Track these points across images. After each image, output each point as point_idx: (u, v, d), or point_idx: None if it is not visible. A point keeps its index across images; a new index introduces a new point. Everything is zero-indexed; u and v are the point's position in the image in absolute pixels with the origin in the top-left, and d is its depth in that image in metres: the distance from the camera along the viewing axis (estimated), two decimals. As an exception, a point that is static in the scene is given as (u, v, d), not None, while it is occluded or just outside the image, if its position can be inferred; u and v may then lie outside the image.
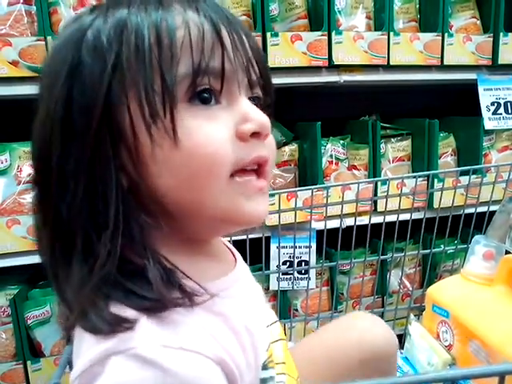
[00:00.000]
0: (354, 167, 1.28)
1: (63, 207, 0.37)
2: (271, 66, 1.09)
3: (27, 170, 1.05)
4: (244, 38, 0.40)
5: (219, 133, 0.38)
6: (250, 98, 0.42)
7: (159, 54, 0.36)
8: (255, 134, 0.39)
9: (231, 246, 0.53)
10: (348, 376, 0.60)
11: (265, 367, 0.43)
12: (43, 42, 0.98)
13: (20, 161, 1.05)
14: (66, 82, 0.37)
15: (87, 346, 0.34)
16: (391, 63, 1.18)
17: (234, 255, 0.51)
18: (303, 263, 1.16)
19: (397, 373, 0.72)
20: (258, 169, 0.41)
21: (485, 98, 1.29)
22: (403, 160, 1.31)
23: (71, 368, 0.51)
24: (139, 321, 0.33)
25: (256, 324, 0.43)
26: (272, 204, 1.01)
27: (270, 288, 1.21)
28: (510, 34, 1.25)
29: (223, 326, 0.39)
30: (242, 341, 0.40)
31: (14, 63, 0.98)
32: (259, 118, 0.39)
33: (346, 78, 1.17)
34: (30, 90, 1.01)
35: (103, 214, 0.36)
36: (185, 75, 0.36)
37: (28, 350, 1.09)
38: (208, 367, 0.34)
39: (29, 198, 1.05)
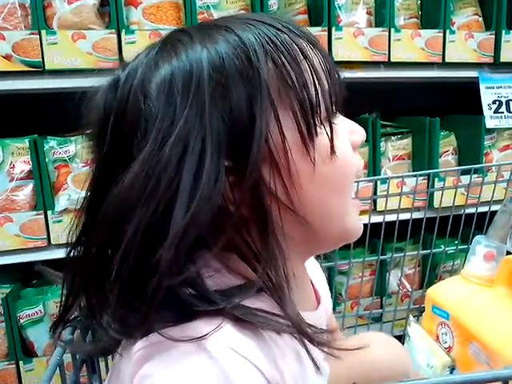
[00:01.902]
0: (354, 165, 1.27)
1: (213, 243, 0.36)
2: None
3: (20, 166, 1.04)
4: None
5: (348, 144, 0.42)
6: None
7: (313, 75, 0.38)
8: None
9: (322, 288, 0.53)
10: None
11: None
12: (37, 36, 0.97)
13: (13, 157, 1.03)
14: (213, 114, 0.35)
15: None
16: (392, 60, 1.17)
17: (317, 297, 0.51)
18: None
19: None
20: None
21: (486, 96, 1.27)
22: (403, 158, 1.30)
23: (61, 371, 0.49)
24: (222, 324, 0.34)
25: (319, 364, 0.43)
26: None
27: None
28: (512, 31, 1.24)
29: (294, 359, 0.39)
30: (308, 381, 0.40)
31: (8, 57, 0.96)
32: (361, 129, 0.44)
33: (346, 74, 1.14)
34: (23, 84, 0.99)
35: (256, 243, 0.37)
36: (325, 94, 0.39)
37: (20, 349, 1.07)
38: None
39: (21, 194, 1.03)
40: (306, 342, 0.37)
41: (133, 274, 0.34)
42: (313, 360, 0.37)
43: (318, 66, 0.39)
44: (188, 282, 0.34)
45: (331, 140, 0.39)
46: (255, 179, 0.36)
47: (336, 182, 0.40)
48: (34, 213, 1.02)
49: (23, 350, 1.08)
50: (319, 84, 0.38)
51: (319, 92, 0.38)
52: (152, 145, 0.35)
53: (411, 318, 0.95)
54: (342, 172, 0.40)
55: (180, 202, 0.33)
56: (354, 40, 1.13)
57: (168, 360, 0.33)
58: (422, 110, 1.36)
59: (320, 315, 0.49)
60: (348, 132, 0.42)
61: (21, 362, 1.07)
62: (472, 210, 1.07)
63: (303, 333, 0.36)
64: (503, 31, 1.23)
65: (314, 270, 0.54)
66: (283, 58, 0.37)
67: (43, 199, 1.03)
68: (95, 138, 0.40)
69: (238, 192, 0.36)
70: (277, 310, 0.36)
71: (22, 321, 1.07)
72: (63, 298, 0.41)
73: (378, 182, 1.20)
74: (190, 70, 0.36)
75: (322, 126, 0.39)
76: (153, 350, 0.34)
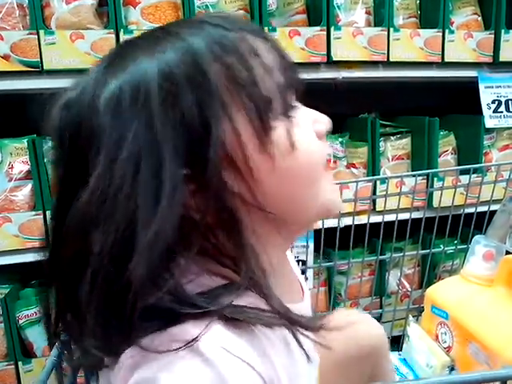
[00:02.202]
0: (353, 165, 1.27)
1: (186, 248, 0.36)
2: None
3: (19, 166, 1.03)
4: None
5: (311, 134, 0.41)
6: None
7: (265, 71, 0.38)
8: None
9: (302, 279, 0.53)
10: (336, 371, 0.61)
11: None
12: (35, 36, 0.96)
13: (11, 157, 1.03)
14: (165, 122, 0.34)
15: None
16: (391, 60, 1.17)
17: (302, 288, 0.51)
18: (300, 263, 1.14)
19: (391, 367, 0.74)
20: None
21: (485, 96, 1.27)
22: (403, 158, 1.30)
23: (58, 371, 0.49)
24: (212, 325, 0.33)
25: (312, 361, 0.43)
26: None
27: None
28: (511, 31, 1.23)
29: (284, 351, 0.39)
30: (295, 365, 0.40)
31: (6, 57, 0.96)
32: (325, 117, 0.43)
33: (344, 74, 1.16)
34: (21, 84, 0.99)
35: (227, 244, 0.37)
36: (279, 89, 0.39)
37: (19, 350, 1.07)
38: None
39: (20, 194, 1.03)
40: (297, 332, 0.37)
41: (106, 294, 0.34)
42: (304, 351, 0.37)
43: (271, 61, 0.39)
44: (168, 291, 0.34)
45: (289, 133, 0.38)
46: (217, 183, 0.35)
47: (302, 173, 0.40)
48: (33, 213, 1.02)
49: (22, 351, 1.08)
50: (272, 79, 0.38)
51: (272, 87, 0.38)
52: (104, 162, 0.34)
53: (410, 317, 0.96)
54: (306, 163, 0.40)
55: (141, 219, 0.33)
56: (352, 40, 1.13)
57: (160, 365, 0.32)
58: (421, 109, 1.35)
59: (307, 305, 0.49)
60: (311, 122, 0.42)
61: (20, 363, 1.07)
62: (471, 210, 1.07)
63: (294, 322, 0.36)
64: (502, 31, 1.23)
65: (290, 260, 0.54)
66: (231, 58, 0.37)
67: (42, 199, 1.02)
68: (55, 153, 0.39)
69: (200, 199, 0.36)
70: (264, 304, 0.36)
71: (20, 321, 1.07)
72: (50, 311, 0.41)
73: (378, 182, 1.20)
74: (137, 82, 0.35)
75: (279, 121, 0.38)
76: (143, 357, 0.33)
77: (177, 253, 0.35)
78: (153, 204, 0.33)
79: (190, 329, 0.33)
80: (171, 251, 0.34)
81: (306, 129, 0.41)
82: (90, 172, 0.35)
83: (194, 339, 0.32)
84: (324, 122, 0.43)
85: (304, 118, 0.41)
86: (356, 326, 0.65)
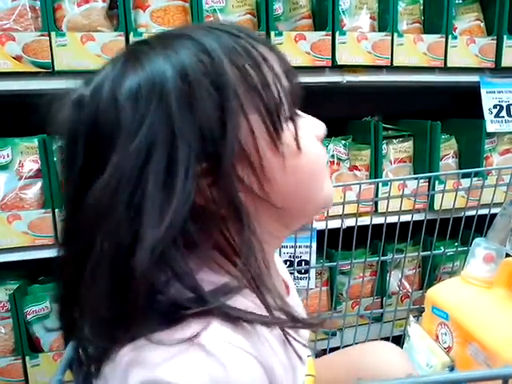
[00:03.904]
0: (356, 168, 1.28)
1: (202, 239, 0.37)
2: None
3: (29, 165, 1.05)
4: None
5: (314, 138, 0.45)
6: None
7: (274, 77, 0.40)
8: None
9: (287, 277, 0.55)
10: None
11: None
12: (47, 38, 0.98)
13: (21, 156, 1.04)
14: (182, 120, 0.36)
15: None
16: (394, 64, 1.18)
17: (287, 286, 0.53)
18: (303, 263, 1.16)
19: None
20: None
21: (487, 101, 1.28)
22: (405, 161, 1.31)
23: (75, 364, 0.50)
24: (211, 322, 0.34)
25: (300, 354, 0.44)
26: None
27: (270, 287, 1.20)
28: (513, 36, 1.25)
29: (278, 345, 0.40)
30: (291, 363, 0.41)
31: (18, 58, 0.97)
32: (321, 123, 0.47)
33: (349, 78, 1.17)
34: (33, 85, 1.00)
35: (233, 240, 0.38)
36: (286, 93, 0.41)
37: (27, 345, 1.08)
38: (259, 373, 0.35)
39: (30, 193, 1.05)
40: (288, 335, 0.38)
41: (115, 281, 0.35)
42: (296, 352, 0.39)
43: (277, 68, 0.41)
44: (178, 277, 0.35)
45: (297, 136, 0.41)
46: (231, 178, 0.37)
47: (309, 172, 0.43)
48: (43, 211, 1.03)
49: (29, 346, 1.09)
50: (280, 84, 0.40)
51: (281, 92, 0.40)
52: (119, 153, 0.35)
53: (411, 318, 0.96)
54: (313, 163, 0.44)
55: (152, 210, 0.34)
56: (357, 44, 1.14)
57: (162, 361, 0.33)
58: (424, 113, 1.36)
59: (293, 299, 0.51)
60: (311, 126, 0.45)
61: (27, 358, 1.08)
62: (472, 213, 1.08)
63: (296, 320, 0.38)
64: (505, 36, 1.24)
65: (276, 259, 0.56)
66: (244, 62, 0.39)
67: (51, 198, 1.04)
68: (66, 152, 0.39)
69: (215, 191, 0.37)
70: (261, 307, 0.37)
71: (28, 317, 1.08)
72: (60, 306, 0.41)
73: (380, 185, 1.21)
74: (154, 80, 0.36)
75: (287, 123, 0.41)
76: (142, 353, 0.34)
77: (192, 244, 0.36)
78: (164, 195, 0.34)
79: (190, 326, 0.34)
80: (187, 242, 0.36)
81: (309, 133, 0.44)
82: (105, 166, 0.35)
83: (195, 336, 0.33)
84: (322, 127, 0.47)
85: (306, 123, 0.44)
86: (377, 361, 0.63)
